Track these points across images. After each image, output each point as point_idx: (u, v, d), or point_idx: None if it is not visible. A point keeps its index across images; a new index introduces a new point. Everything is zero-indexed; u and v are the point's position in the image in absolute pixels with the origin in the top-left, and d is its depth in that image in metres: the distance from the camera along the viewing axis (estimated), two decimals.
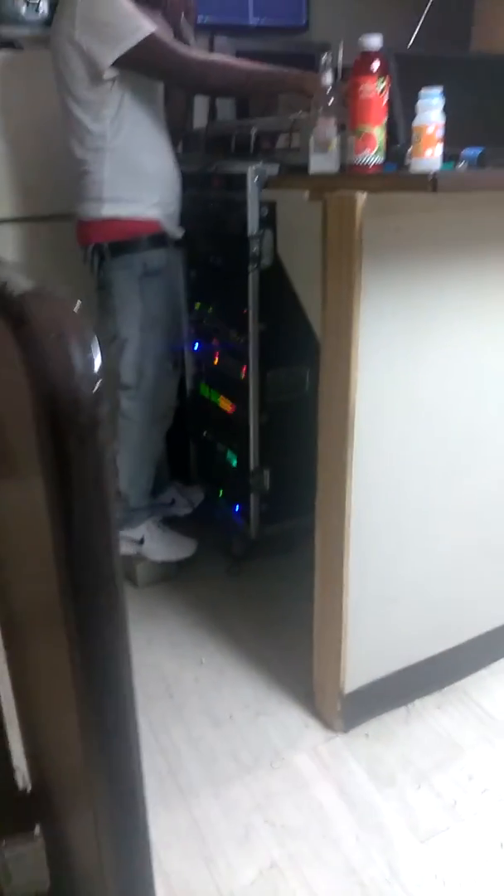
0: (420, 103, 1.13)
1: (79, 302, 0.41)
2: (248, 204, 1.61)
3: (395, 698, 1.57)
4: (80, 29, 1.54)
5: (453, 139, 1.20)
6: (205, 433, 2.16)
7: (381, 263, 1.18)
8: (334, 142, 1.32)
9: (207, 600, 1.96)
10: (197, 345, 2.08)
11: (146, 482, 1.97)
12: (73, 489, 0.39)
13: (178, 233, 1.82)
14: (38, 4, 2.10)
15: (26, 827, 0.85)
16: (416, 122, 1.13)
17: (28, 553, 0.57)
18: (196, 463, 2.30)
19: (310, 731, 1.52)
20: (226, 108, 2.41)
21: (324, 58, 1.34)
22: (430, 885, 1.20)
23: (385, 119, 1.19)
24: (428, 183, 1.00)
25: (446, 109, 1.14)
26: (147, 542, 1.98)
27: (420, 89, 1.18)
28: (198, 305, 2.03)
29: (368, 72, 1.16)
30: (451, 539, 1.50)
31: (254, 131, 1.68)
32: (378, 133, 1.19)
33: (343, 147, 1.31)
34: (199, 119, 2.36)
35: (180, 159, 1.83)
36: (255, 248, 1.64)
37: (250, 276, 1.68)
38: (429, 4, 1.52)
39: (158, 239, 1.76)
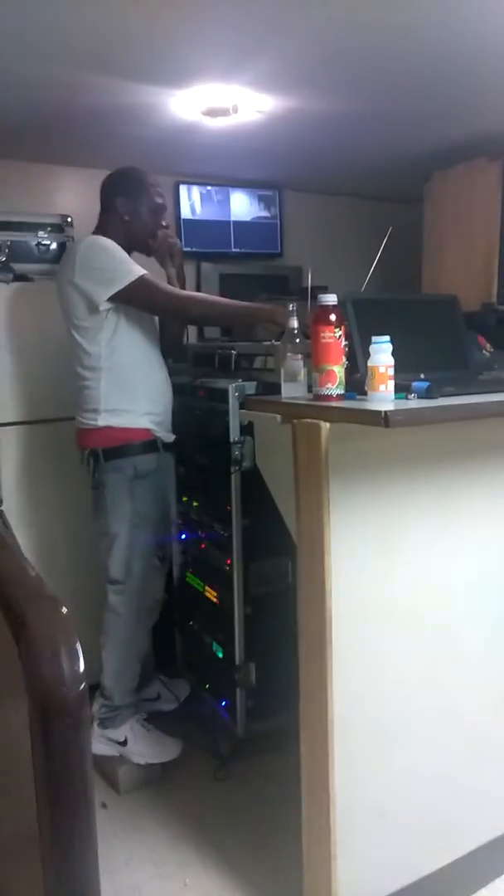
0: (372, 347, 1.32)
1: (64, 609, 0.49)
2: (229, 415, 1.79)
3: None
4: (79, 274, 1.81)
5: (405, 366, 1.38)
6: (191, 622, 2.18)
7: (347, 481, 1.31)
8: (302, 373, 1.52)
9: (193, 809, 1.86)
10: (184, 535, 2.18)
11: (131, 679, 1.96)
12: (59, 784, 0.45)
13: (169, 437, 1.99)
14: (49, 245, 2.46)
15: None
16: (370, 363, 1.32)
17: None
18: (182, 654, 2.29)
19: None
20: (214, 328, 2.74)
21: (290, 307, 1.57)
22: None
23: (343, 358, 1.38)
24: (381, 419, 1.15)
25: (395, 340, 1.33)
26: (130, 744, 1.92)
27: (375, 324, 1.38)
28: (185, 499, 2.16)
29: (327, 321, 1.36)
30: (437, 742, 1.49)
31: (234, 353, 1.91)
32: (338, 370, 1.37)
33: (310, 374, 1.50)
34: (193, 334, 2.66)
35: (171, 370, 2.05)
36: (236, 453, 1.79)
37: (233, 477, 1.82)
38: (380, 251, 1.79)
39: (149, 444, 1.92)
